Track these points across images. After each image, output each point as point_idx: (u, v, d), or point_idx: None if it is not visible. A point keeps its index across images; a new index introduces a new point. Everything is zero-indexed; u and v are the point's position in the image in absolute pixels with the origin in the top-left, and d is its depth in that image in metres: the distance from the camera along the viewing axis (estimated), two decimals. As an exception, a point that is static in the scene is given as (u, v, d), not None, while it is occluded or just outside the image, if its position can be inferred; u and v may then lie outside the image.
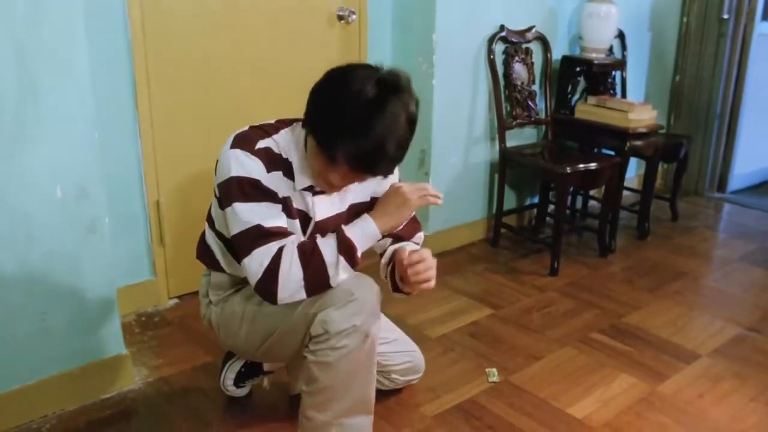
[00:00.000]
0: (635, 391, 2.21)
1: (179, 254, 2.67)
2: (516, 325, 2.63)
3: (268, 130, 1.68)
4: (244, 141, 1.63)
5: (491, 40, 3.22)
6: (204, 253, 1.87)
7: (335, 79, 1.54)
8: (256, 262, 1.57)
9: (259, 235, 1.58)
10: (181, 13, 2.49)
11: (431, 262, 1.72)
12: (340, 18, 2.92)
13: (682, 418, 2.08)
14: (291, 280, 1.57)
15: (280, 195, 1.64)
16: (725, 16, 4.04)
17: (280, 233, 1.60)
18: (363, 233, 1.65)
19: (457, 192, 3.31)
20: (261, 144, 1.63)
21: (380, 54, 3.13)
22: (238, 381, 2.10)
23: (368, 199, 1.81)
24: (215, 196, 1.75)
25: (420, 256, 1.70)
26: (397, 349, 2.07)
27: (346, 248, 1.61)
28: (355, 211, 1.77)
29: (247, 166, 1.60)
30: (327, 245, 1.60)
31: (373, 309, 1.66)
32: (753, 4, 4.03)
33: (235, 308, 1.81)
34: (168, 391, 2.16)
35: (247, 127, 1.69)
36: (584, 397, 2.18)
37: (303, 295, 1.59)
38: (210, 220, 1.83)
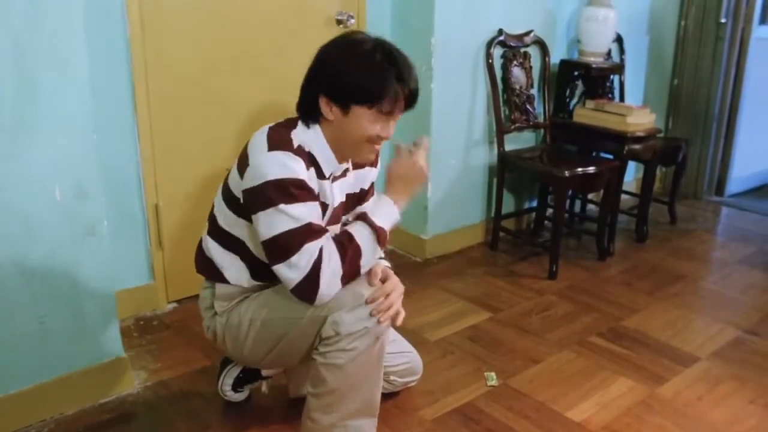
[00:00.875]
0: (634, 394, 2.21)
1: (178, 258, 2.66)
2: (515, 329, 2.63)
3: (288, 126, 1.71)
4: (282, 142, 1.64)
5: (490, 44, 3.23)
6: (205, 266, 1.86)
7: (351, 51, 1.65)
8: (305, 259, 1.58)
9: (311, 232, 1.60)
10: (179, 15, 2.50)
11: (395, 296, 1.72)
12: (339, 22, 2.92)
13: (681, 420, 2.08)
14: (332, 273, 1.60)
15: (316, 192, 1.68)
16: (723, 20, 4.05)
17: (323, 231, 1.63)
18: (389, 218, 1.71)
19: (456, 195, 3.32)
20: (296, 142, 1.66)
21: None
22: (237, 386, 2.09)
23: (358, 190, 1.92)
24: (234, 206, 1.73)
25: (383, 291, 1.69)
26: (395, 350, 2.06)
27: (381, 237, 1.68)
28: (350, 200, 1.88)
29: (292, 167, 1.61)
30: (362, 236, 1.65)
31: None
32: (750, 7, 4.04)
33: (242, 317, 1.79)
34: (167, 395, 2.15)
35: (267, 128, 1.69)
36: (583, 400, 2.18)
37: (339, 287, 1.63)
38: (217, 232, 1.81)
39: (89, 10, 2.12)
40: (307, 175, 1.64)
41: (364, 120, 1.65)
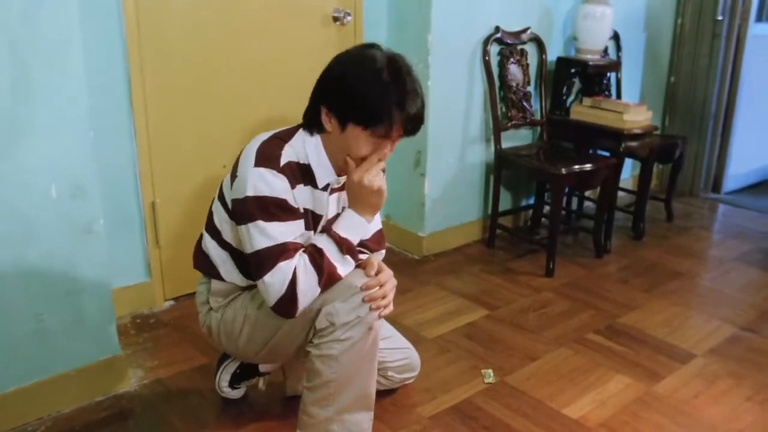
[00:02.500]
0: (631, 392, 2.22)
1: (175, 256, 2.66)
2: (512, 326, 2.63)
3: (283, 137, 1.70)
4: (269, 158, 1.63)
5: (486, 42, 3.22)
6: (202, 261, 1.87)
7: (357, 67, 1.63)
8: (279, 278, 1.60)
9: (285, 251, 1.61)
10: (176, 13, 2.49)
11: (389, 287, 1.73)
12: (336, 19, 2.92)
13: (678, 417, 2.09)
14: (309, 288, 1.62)
15: (302, 209, 1.68)
16: (719, 17, 4.05)
17: (297, 247, 1.63)
18: (354, 228, 1.70)
19: (452, 193, 3.32)
20: (284, 158, 1.65)
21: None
22: (234, 382, 2.09)
23: None
24: (227, 208, 1.75)
25: (377, 281, 1.70)
26: (392, 346, 2.07)
27: (346, 248, 1.66)
28: None
29: (273, 185, 1.61)
30: (330, 250, 1.65)
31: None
32: (747, 5, 4.05)
33: (237, 312, 1.82)
34: (164, 393, 2.15)
35: (261, 140, 1.68)
36: (580, 397, 2.18)
37: (317, 294, 1.64)
38: (212, 229, 1.83)
39: (85, 9, 2.11)
40: (292, 194, 1.64)
41: (359, 140, 1.64)
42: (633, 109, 3.30)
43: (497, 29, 3.25)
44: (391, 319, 2.28)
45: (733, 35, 4.08)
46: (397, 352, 2.09)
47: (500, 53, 3.33)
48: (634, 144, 3.30)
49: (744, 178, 4.56)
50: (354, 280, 1.67)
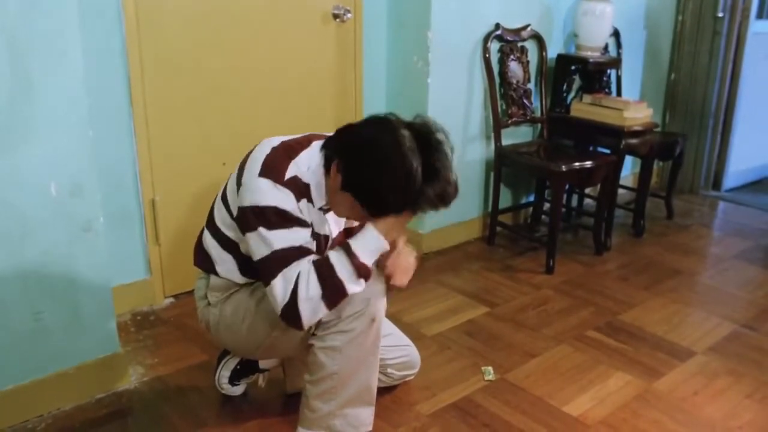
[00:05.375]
0: (631, 389, 2.22)
1: (175, 253, 2.66)
2: (512, 323, 2.63)
3: (290, 153, 1.65)
4: (273, 171, 1.60)
5: (486, 39, 3.22)
6: (202, 258, 1.87)
7: (385, 160, 1.56)
8: (281, 286, 1.57)
9: (288, 258, 1.58)
10: (175, 10, 2.49)
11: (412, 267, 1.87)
12: (336, 16, 2.92)
13: (678, 415, 2.09)
14: (310, 299, 1.57)
15: (308, 221, 1.66)
16: (720, 15, 4.05)
17: (302, 254, 1.60)
18: (372, 249, 1.64)
19: (452, 190, 3.31)
20: (289, 173, 1.61)
21: (375, 53, 3.13)
22: (233, 379, 2.10)
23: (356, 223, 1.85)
24: (230, 212, 1.73)
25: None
26: (392, 344, 2.07)
27: (357, 267, 1.61)
28: (349, 231, 1.84)
29: (276, 197, 1.59)
30: (340, 263, 1.59)
31: (380, 294, 1.71)
32: (747, 2, 4.04)
33: (236, 307, 1.82)
34: (164, 390, 2.16)
35: (270, 148, 1.65)
36: (580, 394, 2.18)
37: (325, 310, 1.60)
38: (212, 227, 1.81)
39: (85, 7, 2.11)
40: (298, 206, 1.61)
41: (354, 207, 1.63)
42: (633, 106, 3.30)
43: (497, 26, 3.25)
44: (392, 317, 2.28)
45: (733, 32, 4.08)
46: (396, 349, 2.09)
47: (500, 50, 3.33)
48: (634, 141, 3.30)
49: (744, 175, 4.56)
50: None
